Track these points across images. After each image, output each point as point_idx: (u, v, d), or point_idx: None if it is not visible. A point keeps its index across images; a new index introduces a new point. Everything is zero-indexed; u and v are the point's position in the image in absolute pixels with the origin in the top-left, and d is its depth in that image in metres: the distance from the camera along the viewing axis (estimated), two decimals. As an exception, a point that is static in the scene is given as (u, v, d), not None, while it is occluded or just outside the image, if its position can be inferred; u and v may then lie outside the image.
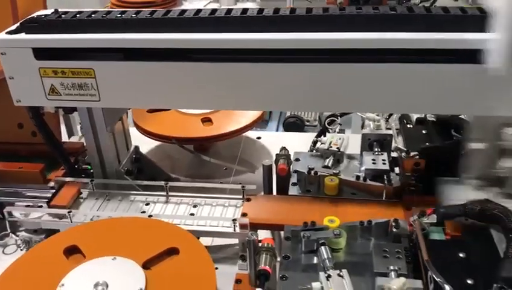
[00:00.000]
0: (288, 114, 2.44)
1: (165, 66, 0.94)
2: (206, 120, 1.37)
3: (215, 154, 1.47)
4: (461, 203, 0.87)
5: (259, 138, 1.54)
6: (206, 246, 1.10)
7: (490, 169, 0.96)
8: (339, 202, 1.08)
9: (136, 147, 1.28)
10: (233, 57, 0.91)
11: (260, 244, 0.92)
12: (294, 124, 2.28)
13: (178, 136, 1.30)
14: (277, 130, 2.36)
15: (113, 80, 0.97)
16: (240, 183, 1.13)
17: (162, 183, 1.13)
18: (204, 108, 1.31)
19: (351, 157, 1.22)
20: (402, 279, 0.75)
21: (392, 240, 0.92)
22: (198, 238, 1.07)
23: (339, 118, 1.30)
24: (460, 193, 0.95)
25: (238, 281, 0.99)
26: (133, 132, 1.37)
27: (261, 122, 2.96)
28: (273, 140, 1.52)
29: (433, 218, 0.88)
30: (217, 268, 1.03)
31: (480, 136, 0.96)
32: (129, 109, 1.21)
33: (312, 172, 1.12)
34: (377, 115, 1.21)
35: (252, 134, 1.57)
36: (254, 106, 1.08)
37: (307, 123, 2.33)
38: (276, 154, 1.19)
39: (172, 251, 0.91)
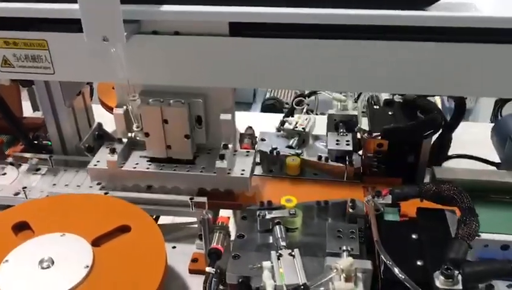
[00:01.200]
0: (267, 96, 2.42)
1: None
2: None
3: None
4: (416, 184, 0.86)
5: (229, 117, 1.52)
6: (167, 225, 1.10)
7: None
8: (300, 182, 1.07)
9: (99, 124, 1.25)
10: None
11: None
12: (272, 106, 2.26)
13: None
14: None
15: (68, 52, 0.94)
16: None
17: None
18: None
19: (317, 138, 1.20)
20: (350, 259, 0.74)
21: (348, 221, 0.91)
22: (155, 216, 1.06)
23: (306, 98, 1.28)
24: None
25: (194, 260, 0.98)
26: (99, 109, 1.35)
27: (244, 105, 2.98)
28: (244, 121, 1.50)
29: (389, 199, 0.87)
30: (174, 247, 1.03)
31: None
32: (88, 83, 1.18)
33: (274, 152, 1.10)
34: (344, 96, 1.19)
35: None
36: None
37: (286, 106, 2.31)
38: (241, 134, 1.17)
39: (124, 229, 0.89)
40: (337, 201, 0.94)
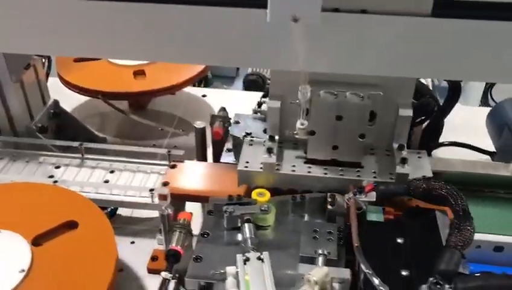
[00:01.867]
0: (250, 70, 2.28)
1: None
2: (139, 73, 1.21)
3: (153, 112, 1.33)
4: (404, 181, 0.76)
5: (204, 95, 1.40)
6: (126, 217, 0.99)
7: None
8: (275, 171, 0.96)
9: (56, 101, 1.12)
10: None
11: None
12: (255, 82, 2.13)
13: (105, 90, 1.14)
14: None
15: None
16: (166, 148, 0.99)
17: (76, 144, 0.98)
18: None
19: (297, 121, 1.09)
20: (325, 269, 0.64)
21: (327, 219, 0.81)
22: (108, 209, 0.95)
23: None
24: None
25: (154, 258, 0.88)
26: (57, 84, 1.22)
27: (227, 79, 2.84)
28: (221, 98, 1.38)
29: (373, 196, 0.77)
30: (133, 242, 0.93)
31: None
32: (35, 55, 1.04)
33: (248, 137, 0.99)
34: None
35: (197, 91, 1.43)
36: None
37: (269, 82, 2.17)
38: (212, 116, 1.05)
39: (71, 225, 0.78)
40: (315, 195, 0.84)
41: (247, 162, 0.88)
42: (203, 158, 1.05)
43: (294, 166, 0.88)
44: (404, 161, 0.84)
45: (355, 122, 0.84)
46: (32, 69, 1.04)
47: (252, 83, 2.13)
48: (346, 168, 0.87)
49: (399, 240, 0.71)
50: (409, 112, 0.86)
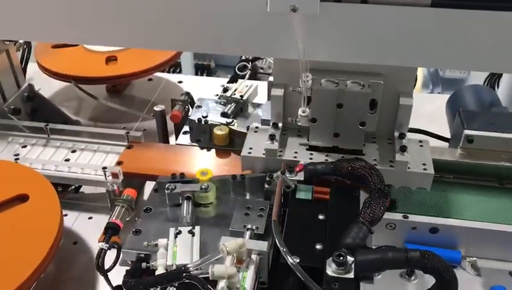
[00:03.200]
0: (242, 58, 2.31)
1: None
2: (111, 59, 1.26)
3: (129, 97, 1.38)
4: (331, 161, 0.79)
5: (180, 82, 1.44)
6: (88, 194, 1.05)
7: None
8: (226, 153, 1.00)
9: (30, 85, 1.18)
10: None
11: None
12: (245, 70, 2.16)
13: (76, 75, 1.20)
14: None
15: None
16: (125, 129, 1.04)
17: (42, 124, 1.04)
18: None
19: (257, 106, 1.13)
20: (239, 240, 0.67)
21: (264, 197, 0.85)
22: (67, 185, 1.01)
23: (250, 63, 1.20)
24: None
25: (106, 232, 0.93)
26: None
27: (229, 69, 2.88)
28: (197, 85, 1.43)
29: (302, 175, 0.80)
30: (91, 217, 0.99)
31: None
32: (7, 40, 1.09)
33: (203, 120, 1.03)
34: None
35: (174, 77, 1.48)
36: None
37: (261, 71, 2.20)
38: (172, 100, 1.10)
39: (22, 198, 0.83)
40: (254, 176, 0.88)
41: (251, 148, 0.90)
42: (164, 140, 1.10)
43: (296, 152, 0.89)
44: (403, 148, 0.85)
45: (355, 110, 0.85)
46: (4, 53, 1.10)
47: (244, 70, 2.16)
48: (348, 155, 0.88)
49: (320, 217, 0.74)
50: (410, 101, 0.87)
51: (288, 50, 0.73)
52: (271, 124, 0.93)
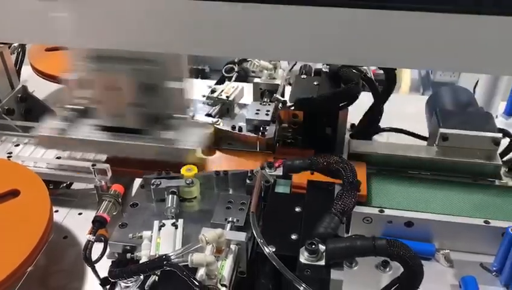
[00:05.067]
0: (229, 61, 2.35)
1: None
2: (103, 62, 1.30)
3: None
4: (308, 157, 0.83)
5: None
6: (80, 190, 1.08)
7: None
8: (211, 151, 1.04)
9: (24, 87, 1.22)
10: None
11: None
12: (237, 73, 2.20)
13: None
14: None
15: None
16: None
17: (35, 124, 1.08)
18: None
19: (243, 106, 1.17)
20: (219, 230, 0.71)
21: (246, 192, 0.89)
22: (59, 183, 1.04)
23: (237, 65, 1.24)
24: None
25: (95, 226, 0.97)
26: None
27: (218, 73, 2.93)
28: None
29: (280, 171, 0.84)
30: (81, 213, 1.02)
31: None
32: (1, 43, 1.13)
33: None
34: (273, 64, 1.14)
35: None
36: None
37: (252, 74, 2.24)
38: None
39: (14, 193, 0.87)
40: (237, 172, 0.91)
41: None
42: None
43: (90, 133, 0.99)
44: (168, 127, 0.96)
45: (127, 93, 0.93)
46: (-2, 56, 1.14)
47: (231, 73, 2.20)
48: (129, 134, 0.98)
49: (297, 209, 0.78)
50: (180, 84, 0.96)
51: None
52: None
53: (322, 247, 0.67)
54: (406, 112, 1.31)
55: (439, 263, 0.89)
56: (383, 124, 1.19)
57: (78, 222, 0.99)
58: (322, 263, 0.66)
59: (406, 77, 2.26)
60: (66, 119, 0.98)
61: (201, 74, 3.30)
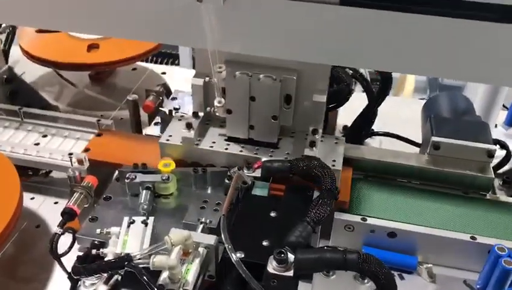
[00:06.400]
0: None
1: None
2: (94, 46, 1.26)
3: (111, 85, 1.39)
4: (288, 159, 0.79)
5: (164, 73, 1.45)
6: (58, 179, 1.06)
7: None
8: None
9: (10, 68, 1.18)
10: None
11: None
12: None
13: (56, 60, 1.20)
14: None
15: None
16: (102, 116, 1.05)
17: (16, 108, 1.05)
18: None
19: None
20: (186, 232, 0.68)
21: (224, 192, 0.85)
22: (38, 169, 1.01)
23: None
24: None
25: (69, 217, 0.94)
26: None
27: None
28: (180, 76, 1.43)
29: (259, 172, 0.80)
30: (56, 202, 1.00)
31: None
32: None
33: (173, 112, 1.03)
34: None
35: (158, 68, 1.48)
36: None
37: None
38: (146, 90, 1.10)
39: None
40: (216, 170, 0.88)
41: (170, 136, 0.92)
42: (137, 129, 1.10)
43: (214, 142, 0.92)
44: (312, 144, 0.86)
45: (267, 104, 0.87)
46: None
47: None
48: (262, 147, 0.91)
49: (272, 214, 0.75)
50: (323, 98, 0.89)
51: (200, 40, 0.73)
52: (191, 113, 0.94)
53: (291, 256, 0.64)
54: (403, 115, 1.27)
55: (421, 277, 0.86)
56: (378, 127, 1.16)
57: (53, 211, 0.96)
58: (291, 273, 0.63)
59: (411, 77, 2.20)
60: (189, 126, 0.90)
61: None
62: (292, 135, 0.94)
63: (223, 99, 0.82)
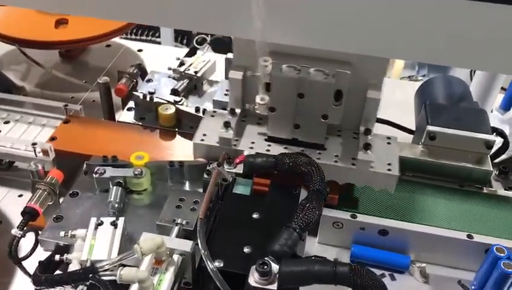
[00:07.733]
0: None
1: None
2: (62, 22, 1.16)
3: (82, 63, 1.29)
4: (273, 154, 0.72)
5: (140, 50, 1.35)
6: (22, 170, 0.97)
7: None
8: (172, 135, 0.93)
9: (-33, 46, 1.08)
10: None
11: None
12: (221, 41, 2.05)
13: (21, 37, 1.10)
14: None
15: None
16: (73, 98, 0.96)
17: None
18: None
19: (214, 83, 1.05)
20: (158, 239, 0.61)
21: (203, 188, 0.78)
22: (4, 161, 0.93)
23: (209, 36, 1.11)
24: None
25: (34, 214, 0.86)
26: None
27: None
28: (158, 54, 1.33)
29: (241, 168, 0.73)
30: (21, 195, 0.91)
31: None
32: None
33: (148, 97, 0.95)
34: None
35: (134, 45, 1.38)
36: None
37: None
38: (118, 72, 1.01)
39: None
40: (194, 163, 0.81)
41: (205, 135, 0.81)
42: (110, 115, 1.02)
43: (253, 143, 0.81)
44: (367, 146, 0.76)
45: (317, 102, 0.76)
46: None
47: (218, 42, 2.05)
48: (308, 148, 0.80)
49: (255, 216, 0.68)
50: (378, 94, 0.78)
51: (247, 29, 0.62)
52: (228, 109, 0.83)
53: (276, 267, 0.58)
54: (395, 99, 1.19)
55: (413, 277, 0.81)
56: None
57: (16, 206, 0.88)
58: (274, 287, 0.57)
59: (401, 55, 2.13)
60: (227, 125, 0.79)
61: (187, 36, 3.11)
62: (339, 134, 0.84)
63: (266, 96, 0.71)
